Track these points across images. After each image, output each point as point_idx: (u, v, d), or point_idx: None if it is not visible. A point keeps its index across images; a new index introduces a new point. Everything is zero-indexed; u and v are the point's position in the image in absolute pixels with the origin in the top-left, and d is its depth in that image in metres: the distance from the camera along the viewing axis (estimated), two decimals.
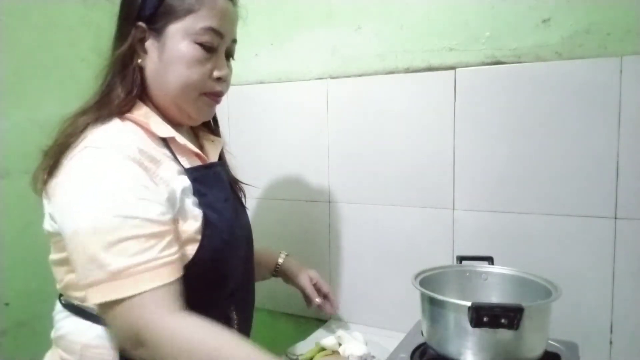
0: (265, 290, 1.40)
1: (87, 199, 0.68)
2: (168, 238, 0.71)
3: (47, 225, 0.77)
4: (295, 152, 1.36)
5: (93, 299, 0.67)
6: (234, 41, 0.87)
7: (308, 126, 1.33)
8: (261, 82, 1.40)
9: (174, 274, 0.70)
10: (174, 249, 0.71)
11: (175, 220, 0.75)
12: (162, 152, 0.79)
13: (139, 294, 0.65)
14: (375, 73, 1.23)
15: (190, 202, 0.78)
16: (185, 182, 0.78)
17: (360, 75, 1.25)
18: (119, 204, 0.67)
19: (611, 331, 1.02)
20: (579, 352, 0.90)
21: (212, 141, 0.95)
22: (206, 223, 0.78)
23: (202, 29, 0.78)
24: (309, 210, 1.35)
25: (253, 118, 1.41)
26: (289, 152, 1.37)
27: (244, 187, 1.03)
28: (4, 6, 1.17)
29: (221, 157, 0.97)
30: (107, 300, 0.66)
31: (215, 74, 0.82)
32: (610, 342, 1.02)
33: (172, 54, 0.79)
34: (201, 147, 0.92)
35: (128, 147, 0.73)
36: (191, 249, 0.76)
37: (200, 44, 0.79)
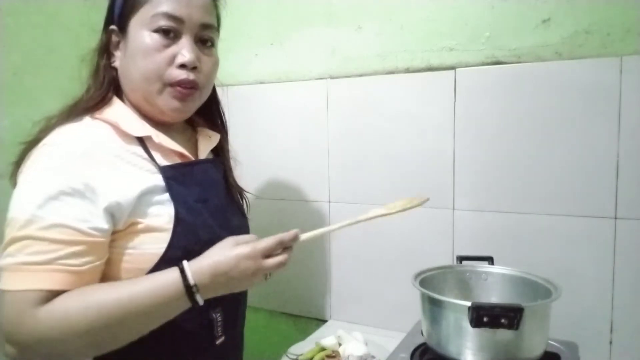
0: (264, 290, 1.41)
1: (18, 192, 0.71)
2: (78, 247, 0.68)
3: None
4: (295, 152, 1.36)
5: None
6: (206, 27, 0.82)
7: (308, 126, 1.33)
8: (261, 82, 1.40)
9: (68, 283, 0.68)
10: (82, 260, 0.69)
11: (133, 223, 0.74)
12: (130, 152, 0.77)
13: (20, 290, 0.66)
14: (375, 73, 1.23)
15: (154, 201, 0.76)
16: (154, 181, 0.77)
17: (360, 75, 1.25)
18: (36, 203, 0.68)
19: (611, 331, 1.02)
20: (579, 352, 0.90)
21: (210, 137, 0.93)
22: (177, 220, 0.76)
23: (156, 15, 0.77)
24: (309, 210, 1.35)
25: (253, 118, 1.41)
26: (289, 152, 1.37)
27: (247, 195, 1.01)
28: (4, 6, 1.17)
29: (218, 154, 0.95)
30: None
31: (179, 59, 0.78)
32: (610, 342, 1.02)
33: (132, 47, 0.79)
34: (196, 144, 0.91)
35: (76, 148, 0.72)
36: (158, 247, 0.75)
37: (157, 31, 0.77)
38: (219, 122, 0.98)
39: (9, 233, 0.68)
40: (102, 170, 0.72)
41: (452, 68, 1.13)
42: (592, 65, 1.00)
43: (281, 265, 0.74)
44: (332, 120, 1.30)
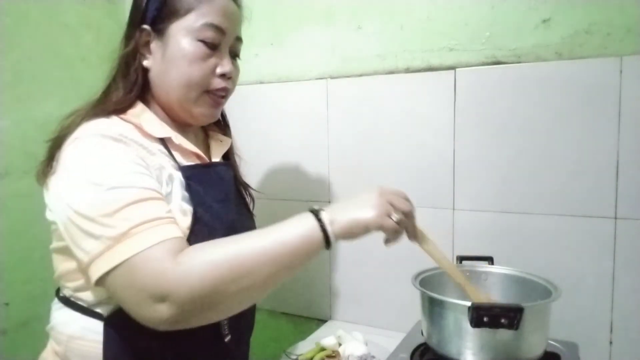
0: None
1: (79, 183, 0.68)
2: (169, 206, 0.71)
3: (48, 214, 0.78)
4: (295, 152, 1.36)
5: (98, 271, 0.64)
6: (238, 39, 0.87)
7: (308, 126, 1.33)
8: (261, 82, 1.40)
9: (179, 232, 0.69)
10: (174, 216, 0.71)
11: None
12: (156, 148, 0.79)
13: (147, 249, 0.63)
14: (375, 73, 1.23)
15: (180, 196, 0.77)
16: (177, 177, 0.78)
17: (360, 75, 1.25)
18: (113, 179, 0.67)
19: (611, 331, 1.02)
20: (579, 352, 0.90)
21: (221, 141, 0.96)
22: (196, 220, 0.76)
23: (203, 26, 0.79)
24: None
25: (253, 118, 1.41)
26: (289, 152, 1.37)
27: (252, 192, 1.02)
28: (4, 6, 1.17)
29: (229, 157, 0.97)
30: (113, 266, 0.63)
31: (219, 70, 0.82)
32: (610, 342, 1.02)
33: (174, 52, 0.80)
34: (208, 147, 0.93)
35: (115, 132, 0.73)
36: None
37: (202, 41, 0.80)
38: (224, 125, 1.00)
39: (91, 219, 0.65)
40: (141, 152, 0.74)
41: (452, 68, 1.13)
42: (592, 65, 1.00)
43: (402, 205, 0.78)
44: (332, 120, 1.30)
